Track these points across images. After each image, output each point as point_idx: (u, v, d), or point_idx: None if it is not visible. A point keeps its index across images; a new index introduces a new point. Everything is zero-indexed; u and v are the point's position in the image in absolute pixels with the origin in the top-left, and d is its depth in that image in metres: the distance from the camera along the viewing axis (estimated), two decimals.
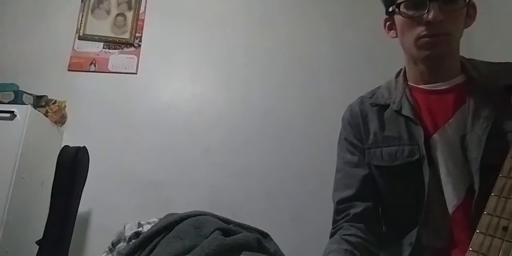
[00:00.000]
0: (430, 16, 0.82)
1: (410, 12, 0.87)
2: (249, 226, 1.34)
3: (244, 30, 2.56)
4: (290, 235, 1.99)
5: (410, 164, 0.87)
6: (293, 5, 2.61)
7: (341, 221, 0.93)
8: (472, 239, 0.63)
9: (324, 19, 2.57)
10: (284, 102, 2.42)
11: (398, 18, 0.91)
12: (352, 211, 0.92)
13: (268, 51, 2.52)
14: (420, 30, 0.85)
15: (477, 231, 0.64)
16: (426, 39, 0.85)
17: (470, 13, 0.90)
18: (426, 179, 0.84)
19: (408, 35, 0.88)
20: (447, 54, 0.88)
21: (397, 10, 0.89)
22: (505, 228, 0.62)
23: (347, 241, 0.85)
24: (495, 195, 0.66)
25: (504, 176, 0.67)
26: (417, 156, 0.86)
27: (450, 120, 0.87)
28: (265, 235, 1.34)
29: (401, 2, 0.88)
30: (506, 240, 0.60)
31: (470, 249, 0.62)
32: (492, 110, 0.83)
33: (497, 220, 0.63)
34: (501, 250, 0.60)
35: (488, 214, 0.65)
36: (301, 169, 2.28)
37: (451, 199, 0.83)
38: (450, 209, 0.83)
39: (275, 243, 1.34)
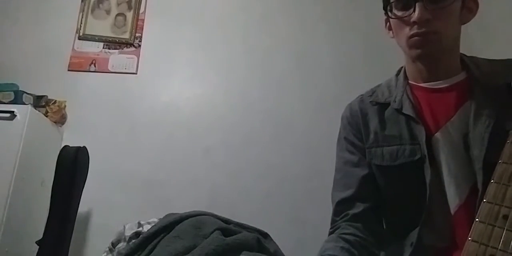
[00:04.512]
0: (416, 16, 0.83)
1: (399, 13, 0.88)
2: (249, 226, 1.34)
3: (243, 30, 2.56)
4: (290, 235, 1.99)
5: (412, 164, 0.86)
6: (292, 5, 2.61)
7: (339, 221, 0.92)
8: (472, 228, 0.61)
9: (324, 18, 2.57)
10: (284, 102, 2.42)
11: (391, 19, 0.92)
12: (351, 211, 0.91)
13: (268, 51, 2.52)
14: (409, 30, 0.86)
15: (477, 220, 0.61)
16: (415, 38, 0.86)
17: (470, 7, 0.89)
18: (428, 179, 0.83)
19: (400, 35, 0.90)
20: (441, 52, 0.88)
21: (389, 12, 0.91)
22: (505, 217, 0.59)
23: (344, 239, 0.85)
24: (495, 182, 0.63)
25: (504, 162, 0.64)
26: (418, 156, 0.86)
27: (452, 119, 0.86)
28: (265, 235, 1.34)
29: (392, 3, 0.89)
30: (507, 229, 0.58)
31: (470, 238, 0.60)
32: (494, 108, 0.82)
33: (497, 208, 0.60)
34: (502, 240, 0.57)
35: (487, 202, 0.62)
36: (301, 169, 2.28)
37: (453, 198, 0.82)
38: (452, 209, 0.82)
39: (275, 243, 1.34)
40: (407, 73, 0.98)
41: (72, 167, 1.75)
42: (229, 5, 2.62)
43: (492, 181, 0.64)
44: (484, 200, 0.62)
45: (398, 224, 0.91)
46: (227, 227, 1.24)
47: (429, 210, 0.83)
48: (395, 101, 0.93)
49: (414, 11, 0.84)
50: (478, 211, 0.62)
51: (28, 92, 2.19)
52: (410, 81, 0.96)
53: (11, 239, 1.83)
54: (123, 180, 2.26)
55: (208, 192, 2.25)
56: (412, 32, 0.85)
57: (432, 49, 0.86)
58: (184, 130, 2.37)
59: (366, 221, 0.90)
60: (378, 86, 1.04)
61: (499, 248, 0.57)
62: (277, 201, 2.23)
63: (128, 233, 1.35)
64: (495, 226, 0.59)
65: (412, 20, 0.84)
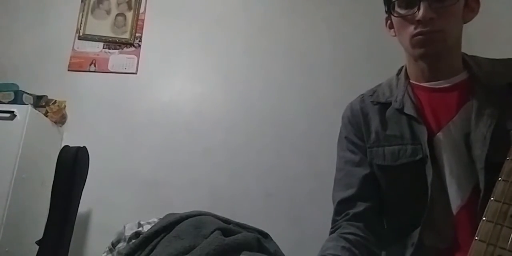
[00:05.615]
0: (420, 14, 0.83)
1: (403, 12, 0.88)
2: (249, 226, 1.33)
3: (244, 30, 2.56)
4: (290, 235, 1.99)
5: (413, 164, 0.86)
6: (292, 5, 2.61)
7: (340, 221, 0.91)
8: (479, 227, 0.59)
9: (324, 18, 2.57)
10: (284, 102, 2.42)
11: (393, 18, 0.92)
12: (352, 211, 0.90)
13: (268, 51, 2.52)
14: (413, 28, 0.85)
15: (484, 218, 0.59)
16: (420, 37, 0.85)
17: (472, 6, 0.89)
18: (429, 179, 0.83)
19: (403, 34, 0.89)
20: (444, 51, 0.88)
21: (391, 10, 0.90)
22: None
23: (345, 238, 0.84)
24: (503, 180, 0.61)
25: None
26: (420, 156, 0.85)
27: (454, 119, 0.86)
28: (265, 235, 1.34)
29: (394, 2, 0.89)
30: None
31: (476, 238, 0.58)
32: (495, 107, 0.82)
33: (505, 207, 0.58)
34: (510, 239, 0.55)
35: (495, 200, 0.60)
36: (301, 169, 2.28)
37: (455, 199, 0.82)
38: (454, 210, 0.82)
39: (275, 243, 1.34)
40: (409, 73, 0.97)
41: (72, 167, 1.75)
42: (230, 5, 2.62)
43: (500, 179, 0.62)
44: (492, 199, 0.61)
45: (399, 224, 0.90)
46: (227, 227, 1.23)
47: (430, 210, 0.83)
48: (396, 101, 0.93)
49: (418, 9, 0.83)
50: (485, 210, 0.60)
51: (28, 92, 2.19)
52: (411, 81, 0.96)
53: (11, 239, 1.82)
54: (123, 180, 2.26)
55: (208, 192, 2.24)
56: (416, 31, 0.85)
57: (436, 48, 0.86)
58: (184, 130, 2.37)
59: (367, 220, 0.89)
60: (379, 85, 1.03)
61: (507, 248, 0.55)
62: (277, 201, 2.23)
63: (128, 233, 1.35)
64: (504, 225, 0.57)
65: (416, 18, 0.84)
